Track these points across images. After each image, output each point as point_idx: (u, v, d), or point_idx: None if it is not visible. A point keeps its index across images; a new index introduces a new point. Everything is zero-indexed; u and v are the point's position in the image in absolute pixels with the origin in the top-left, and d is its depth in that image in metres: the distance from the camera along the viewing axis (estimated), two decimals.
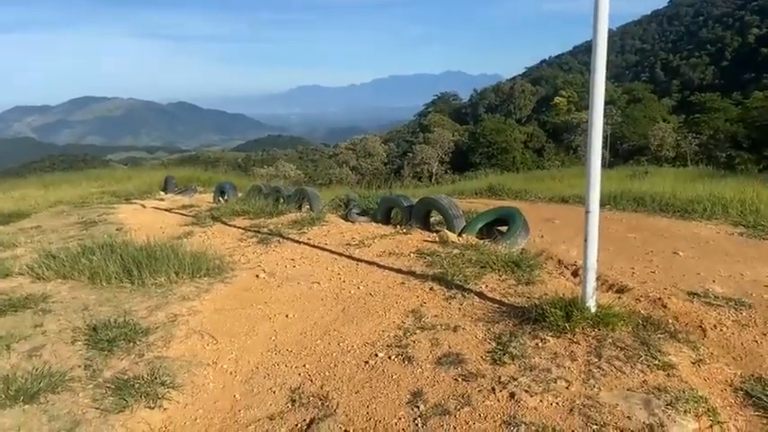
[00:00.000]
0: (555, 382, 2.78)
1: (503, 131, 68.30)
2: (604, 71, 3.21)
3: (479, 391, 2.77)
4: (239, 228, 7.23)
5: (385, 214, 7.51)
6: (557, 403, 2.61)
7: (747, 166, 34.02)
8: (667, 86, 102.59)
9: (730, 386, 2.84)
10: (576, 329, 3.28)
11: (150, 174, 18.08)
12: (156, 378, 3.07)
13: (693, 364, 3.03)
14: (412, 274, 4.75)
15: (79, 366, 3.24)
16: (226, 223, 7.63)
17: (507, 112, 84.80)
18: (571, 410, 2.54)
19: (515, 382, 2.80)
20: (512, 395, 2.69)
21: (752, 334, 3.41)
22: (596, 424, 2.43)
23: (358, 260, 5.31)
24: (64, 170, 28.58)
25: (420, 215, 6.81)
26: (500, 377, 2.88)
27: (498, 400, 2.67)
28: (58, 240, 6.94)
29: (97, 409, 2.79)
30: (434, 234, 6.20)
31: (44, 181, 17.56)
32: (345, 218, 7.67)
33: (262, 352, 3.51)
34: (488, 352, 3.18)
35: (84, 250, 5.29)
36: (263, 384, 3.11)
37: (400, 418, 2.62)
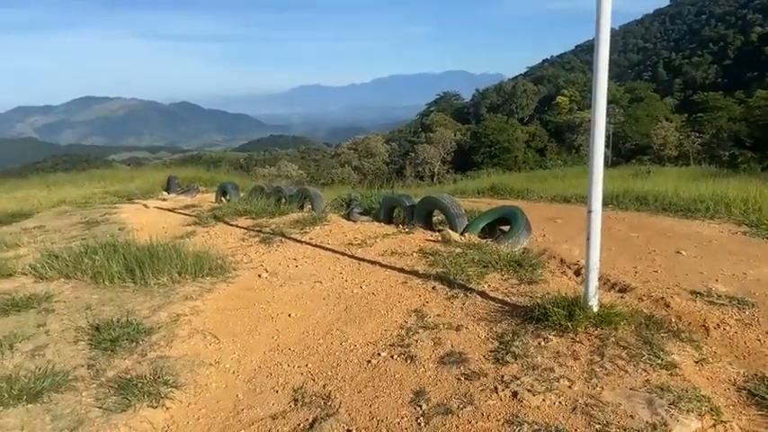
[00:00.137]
0: (557, 382, 2.77)
1: (505, 131, 68.30)
2: (607, 70, 3.21)
3: (482, 390, 2.77)
4: (241, 227, 7.23)
5: (387, 214, 7.51)
6: (559, 402, 2.60)
7: (750, 165, 33.94)
8: (670, 85, 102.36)
9: (733, 385, 2.83)
10: (579, 329, 3.28)
11: (153, 174, 18.10)
12: (158, 377, 3.07)
13: (696, 363, 3.02)
14: (414, 273, 4.74)
15: (82, 366, 3.24)
16: (228, 223, 7.64)
17: (509, 112, 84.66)
18: (574, 410, 2.54)
19: (518, 382, 2.80)
20: (514, 394, 2.69)
21: (755, 333, 3.40)
22: (599, 423, 2.42)
23: (360, 260, 5.31)
24: (66, 170, 28.63)
25: (422, 214, 6.81)
26: (503, 376, 2.88)
27: (501, 400, 2.67)
28: (60, 240, 6.96)
29: (100, 408, 2.80)
30: (437, 233, 6.20)
31: (47, 181, 17.60)
32: (347, 217, 7.68)
33: (264, 351, 3.52)
34: (491, 351, 3.18)
35: (86, 250, 5.30)
36: (266, 384, 3.11)
37: (403, 418, 2.62)
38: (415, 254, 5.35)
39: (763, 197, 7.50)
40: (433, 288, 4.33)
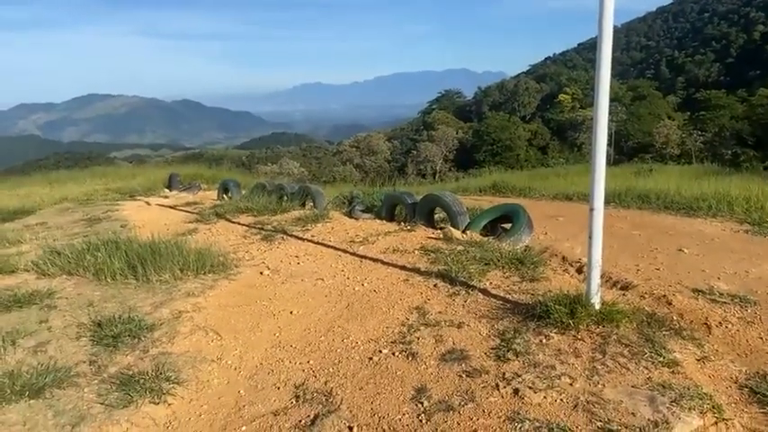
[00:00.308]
0: (559, 379, 2.77)
1: (507, 129, 68.24)
2: (609, 68, 3.20)
3: (483, 387, 2.77)
4: (243, 225, 7.24)
5: (389, 211, 7.51)
6: (561, 400, 2.60)
7: (753, 163, 33.89)
8: (672, 83, 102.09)
9: (735, 383, 2.84)
10: (581, 326, 3.28)
11: (154, 171, 18.14)
12: (160, 374, 3.08)
13: (698, 361, 3.02)
14: (416, 270, 4.75)
15: (84, 362, 3.25)
16: (230, 220, 7.64)
17: (511, 110, 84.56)
18: (575, 407, 2.54)
19: (519, 379, 2.80)
20: (516, 391, 2.69)
21: (757, 331, 3.40)
22: (600, 420, 2.42)
23: (362, 257, 5.31)
24: (69, 168, 28.66)
25: (424, 212, 6.81)
26: (504, 373, 2.88)
27: (502, 397, 2.67)
28: (63, 237, 6.97)
29: (102, 404, 2.80)
30: (438, 231, 6.20)
31: (49, 178, 17.62)
32: (349, 215, 7.68)
33: (266, 348, 3.52)
34: (492, 348, 3.18)
35: (88, 247, 5.30)
36: (268, 380, 3.12)
37: (404, 414, 2.62)
38: (416, 251, 5.35)
39: (766, 196, 7.50)
40: (435, 285, 4.33)
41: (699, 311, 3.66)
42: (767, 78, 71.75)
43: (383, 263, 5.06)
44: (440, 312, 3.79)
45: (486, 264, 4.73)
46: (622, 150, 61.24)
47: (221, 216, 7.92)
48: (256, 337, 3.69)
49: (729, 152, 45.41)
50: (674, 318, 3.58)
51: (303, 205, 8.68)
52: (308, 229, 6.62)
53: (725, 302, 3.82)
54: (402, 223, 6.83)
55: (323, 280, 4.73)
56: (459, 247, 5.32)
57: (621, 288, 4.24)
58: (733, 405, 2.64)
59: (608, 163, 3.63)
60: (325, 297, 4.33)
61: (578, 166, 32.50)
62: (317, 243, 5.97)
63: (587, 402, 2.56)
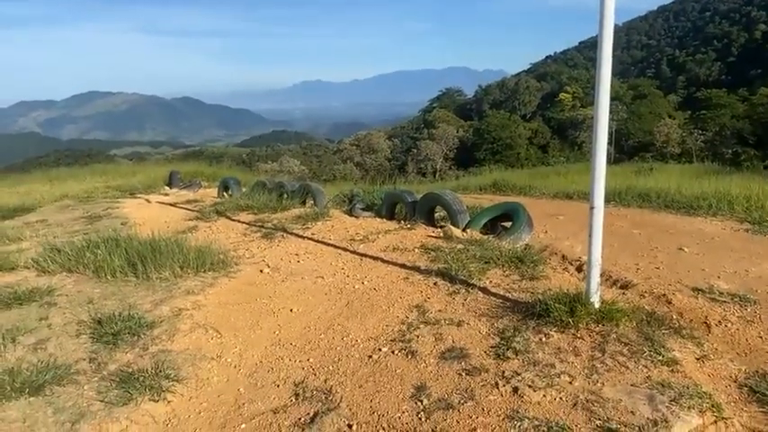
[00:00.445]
0: (558, 377, 2.78)
1: (507, 127, 68.18)
2: (610, 67, 3.20)
3: (483, 385, 2.77)
4: (243, 223, 7.24)
5: (389, 210, 7.51)
6: (560, 398, 2.61)
7: (753, 162, 33.86)
8: (673, 82, 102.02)
9: (735, 382, 2.84)
10: (580, 325, 3.28)
11: (155, 168, 18.12)
12: (160, 371, 3.08)
13: (698, 359, 3.02)
14: (416, 269, 4.75)
15: (84, 359, 3.25)
16: (230, 218, 7.64)
17: (512, 108, 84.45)
18: (574, 405, 2.54)
19: (519, 377, 2.80)
20: (515, 390, 2.69)
21: (757, 330, 3.40)
22: (599, 419, 2.42)
23: (362, 255, 5.31)
24: (69, 165, 28.66)
25: (424, 211, 6.81)
26: (503, 372, 2.88)
27: (502, 395, 2.67)
28: (63, 234, 6.97)
29: (102, 401, 2.80)
30: (438, 229, 6.20)
31: (49, 176, 17.61)
32: (349, 213, 7.68)
33: (266, 346, 3.52)
34: (492, 347, 3.18)
35: (88, 244, 5.30)
36: (267, 378, 3.12)
37: (404, 412, 2.63)
38: (416, 250, 5.35)
39: (766, 195, 7.49)
40: (435, 284, 4.33)
41: (698, 310, 3.66)
42: None
43: (383, 261, 5.06)
44: (440, 311, 3.79)
45: (486, 262, 4.73)
46: (623, 149, 61.22)
47: (221, 214, 7.92)
48: (256, 334, 3.69)
49: (730, 151, 45.40)
50: (674, 316, 3.58)
51: (303, 203, 8.68)
52: (308, 228, 6.62)
53: (725, 301, 3.82)
54: (402, 222, 6.83)
55: (323, 278, 4.73)
56: (460, 246, 5.32)
57: (621, 287, 4.24)
58: (732, 404, 2.64)
59: (608, 162, 3.63)
60: (325, 295, 4.33)
61: (579, 164, 32.47)
62: (318, 241, 5.97)
63: (587, 401, 2.56)
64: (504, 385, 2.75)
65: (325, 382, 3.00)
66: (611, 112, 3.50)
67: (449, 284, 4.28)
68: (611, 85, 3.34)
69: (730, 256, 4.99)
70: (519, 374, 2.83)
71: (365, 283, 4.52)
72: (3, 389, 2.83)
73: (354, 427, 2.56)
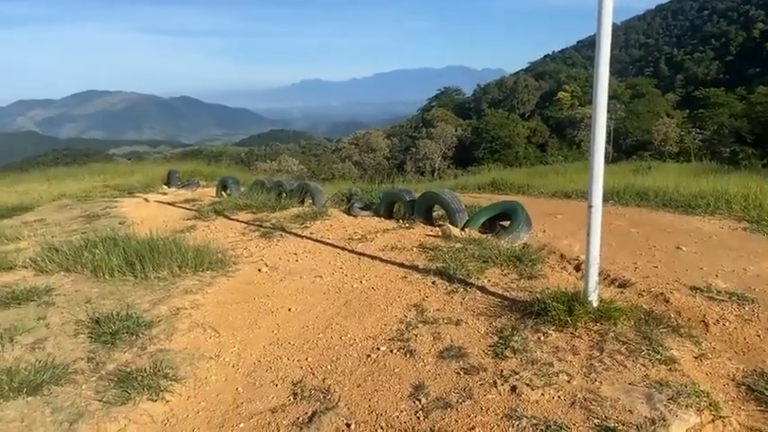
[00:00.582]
0: (557, 376, 2.78)
1: (506, 126, 68.19)
2: (608, 66, 3.20)
3: (481, 384, 2.77)
4: (242, 222, 7.24)
5: (387, 209, 7.51)
6: (558, 397, 2.61)
7: (751, 161, 33.91)
8: (671, 81, 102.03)
9: (733, 381, 2.84)
10: (579, 324, 3.28)
11: (153, 168, 18.09)
12: (158, 371, 3.08)
13: (696, 358, 3.03)
14: (414, 268, 4.75)
15: (82, 359, 3.25)
16: (228, 217, 7.64)
17: (510, 107, 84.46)
18: (573, 404, 2.54)
19: (517, 376, 2.80)
20: (513, 389, 2.70)
21: (754, 329, 3.41)
22: (598, 418, 2.43)
23: (360, 254, 5.31)
24: (67, 164, 28.62)
25: (422, 210, 6.81)
26: (502, 371, 2.88)
27: (500, 394, 2.68)
28: (61, 234, 6.96)
29: (100, 401, 2.80)
30: (437, 228, 6.20)
31: (47, 175, 17.59)
32: (348, 212, 7.68)
33: (264, 345, 3.52)
34: (490, 346, 3.18)
35: (87, 243, 5.30)
36: (266, 377, 3.12)
37: (402, 412, 2.63)
38: (415, 249, 5.35)
39: (764, 193, 7.50)
40: (433, 283, 4.34)
41: (696, 309, 3.67)
42: (766, 76, 71.72)
43: (381, 260, 5.06)
44: (438, 310, 3.79)
45: (484, 261, 4.73)
46: (621, 148, 61.26)
47: (220, 213, 7.91)
48: (254, 334, 3.69)
49: (728, 150, 45.42)
50: (672, 315, 3.58)
51: (302, 202, 8.68)
52: (306, 227, 6.61)
53: (722, 300, 3.82)
54: (400, 221, 6.83)
55: (321, 277, 4.73)
56: (458, 245, 5.32)
57: (619, 285, 4.24)
58: (730, 403, 2.65)
59: (606, 161, 3.64)
60: (324, 294, 4.33)
61: (577, 163, 32.48)
62: (316, 240, 5.97)
63: (585, 400, 2.56)
64: (502, 384, 2.75)
65: (324, 381, 3.00)
66: (609, 111, 3.51)
67: (447, 283, 4.29)
68: (610, 84, 3.34)
69: (728, 255, 5.00)
70: (517, 373, 2.83)
71: (363, 282, 4.52)
72: (1, 389, 2.83)
73: (353, 427, 2.56)
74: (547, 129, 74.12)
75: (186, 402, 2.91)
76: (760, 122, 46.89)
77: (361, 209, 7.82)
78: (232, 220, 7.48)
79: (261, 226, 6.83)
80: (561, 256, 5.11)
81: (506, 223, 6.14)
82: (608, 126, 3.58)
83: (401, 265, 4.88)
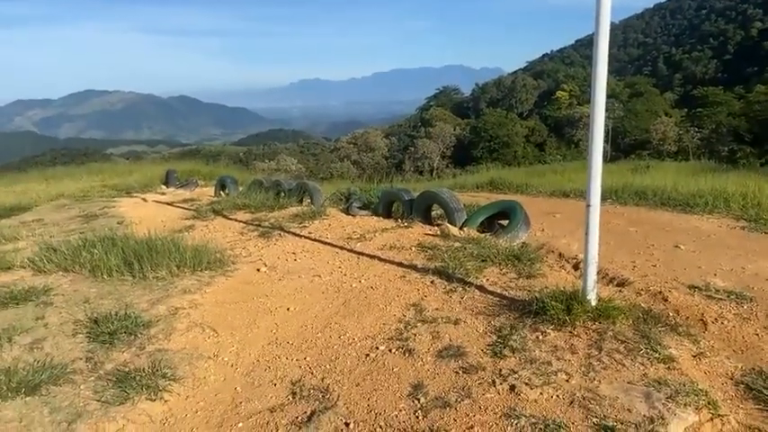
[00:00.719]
0: (555, 375, 2.78)
1: (504, 125, 68.18)
2: (606, 65, 3.20)
3: (480, 383, 2.77)
4: (240, 221, 7.23)
5: (386, 208, 7.51)
6: (557, 396, 2.61)
7: (749, 160, 34.01)
8: (670, 80, 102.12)
9: (731, 379, 2.84)
10: (577, 323, 3.28)
11: (151, 167, 18.08)
12: (157, 370, 3.08)
13: (694, 357, 3.03)
14: (413, 267, 4.75)
15: (80, 359, 3.25)
16: (227, 217, 7.63)
17: (509, 107, 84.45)
18: (571, 403, 2.54)
19: (516, 375, 2.80)
20: (512, 388, 2.70)
21: (753, 327, 3.41)
22: (596, 417, 2.43)
23: (359, 254, 5.31)
24: (65, 164, 28.57)
25: (421, 209, 6.81)
26: (500, 370, 2.88)
27: (499, 393, 2.68)
28: (59, 234, 6.95)
29: (98, 401, 2.80)
30: (436, 228, 6.20)
31: (45, 175, 17.57)
32: (346, 212, 7.67)
33: (263, 345, 3.52)
34: (489, 345, 3.18)
35: (85, 243, 5.29)
36: (264, 377, 3.12)
37: (401, 411, 2.63)
38: (413, 248, 5.35)
39: (762, 192, 7.51)
40: (432, 282, 4.34)
41: (695, 308, 3.67)
42: (764, 75, 71.90)
43: (380, 259, 5.06)
44: (437, 309, 3.79)
45: (482, 260, 4.73)
46: (619, 147, 61.26)
47: (218, 213, 7.91)
48: (253, 333, 3.69)
49: (726, 149, 45.53)
50: (670, 314, 3.58)
51: (300, 202, 8.67)
52: (305, 226, 6.61)
53: (721, 299, 3.83)
54: (399, 220, 6.83)
55: (320, 277, 4.73)
56: (456, 244, 5.32)
57: (618, 284, 4.24)
58: (729, 401, 2.65)
59: (605, 160, 3.64)
60: (322, 294, 4.33)
61: (575, 162, 32.48)
62: (315, 240, 5.97)
63: (583, 398, 2.57)
64: (501, 383, 2.75)
65: (323, 380, 3.00)
66: (607, 110, 3.51)
67: (446, 283, 4.29)
68: (608, 83, 3.34)
69: (726, 254, 5.00)
70: (516, 372, 2.84)
71: (362, 281, 4.52)
72: None
73: (351, 426, 2.56)
74: (545, 128, 74.13)
75: (185, 402, 2.91)
76: (758, 121, 46.99)
77: (360, 208, 7.82)
78: (230, 219, 7.47)
79: (259, 225, 6.82)
80: (560, 255, 5.11)
81: (505, 222, 6.15)
82: (606, 125, 3.58)
83: (400, 264, 4.88)
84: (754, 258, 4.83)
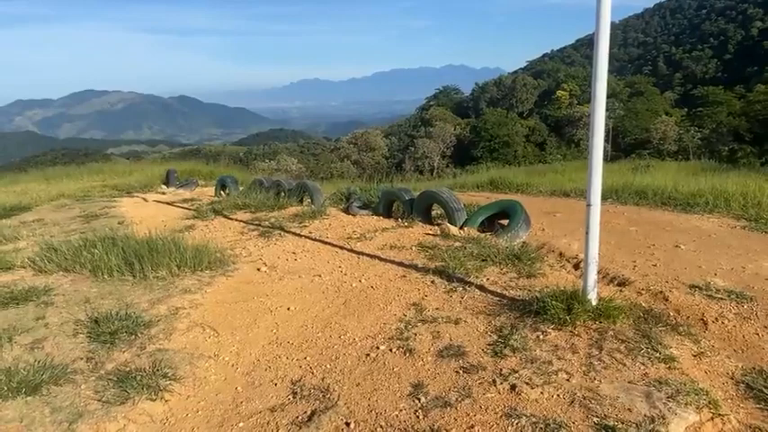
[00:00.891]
0: (556, 375, 2.78)
1: (504, 125, 68.16)
2: (606, 64, 3.20)
3: (480, 383, 2.78)
4: (241, 221, 7.23)
5: (386, 208, 7.51)
6: (557, 395, 2.61)
7: (750, 159, 34.02)
8: (670, 80, 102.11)
9: (732, 379, 2.84)
10: (578, 322, 3.29)
11: (152, 167, 18.07)
12: (157, 370, 3.08)
13: (695, 356, 3.03)
14: (413, 267, 4.75)
15: (81, 359, 3.25)
16: (227, 217, 7.63)
17: (509, 106, 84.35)
18: (572, 403, 2.54)
19: (516, 375, 2.80)
20: (513, 387, 2.70)
21: (753, 327, 3.41)
22: (597, 416, 2.43)
23: (359, 253, 5.31)
24: (65, 164, 28.55)
25: (421, 208, 6.81)
26: (501, 369, 2.88)
27: (499, 393, 2.68)
28: (59, 234, 6.95)
29: (99, 400, 2.80)
30: (436, 227, 6.20)
31: (46, 175, 17.56)
32: (347, 211, 7.67)
33: (263, 344, 3.52)
34: (489, 344, 3.18)
35: (85, 243, 5.29)
36: (265, 377, 3.12)
37: (401, 411, 2.63)
38: (413, 248, 5.35)
39: (762, 191, 7.50)
40: (432, 282, 4.34)
41: (695, 307, 3.67)
42: (765, 75, 71.81)
43: (380, 259, 5.06)
44: (437, 309, 3.79)
45: (483, 260, 4.73)
46: (620, 147, 61.24)
47: (218, 212, 7.91)
48: (253, 333, 3.69)
49: (727, 148, 45.54)
50: (671, 314, 3.59)
51: (301, 202, 8.67)
52: (305, 226, 6.61)
53: (721, 298, 3.83)
54: (399, 220, 6.83)
55: (320, 276, 4.73)
56: (457, 244, 5.32)
57: (618, 284, 4.24)
58: (729, 401, 2.65)
59: (605, 159, 3.64)
60: (323, 293, 4.33)
61: (576, 162, 32.47)
62: (315, 239, 5.97)
63: (584, 398, 2.57)
64: (501, 383, 2.75)
65: (323, 380, 3.00)
66: (607, 110, 3.51)
67: (446, 282, 4.29)
68: (608, 83, 3.34)
69: (727, 253, 5.00)
70: (516, 372, 2.84)
71: (362, 281, 4.52)
72: (0, 389, 2.83)
73: (352, 425, 2.56)
74: (545, 127, 74.09)
75: (185, 402, 2.91)
76: (758, 121, 46.99)
77: (360, 208, 7.82)
78: (231, 219, 7.47)
79: (260, 225, 6.82)
80: (560, 254, 5.11)
81: (505, 222, 6.15)
82: (606, 124, 3.58)
83: (400, 263, 4.88)
84: (755, 258, 4.83)
